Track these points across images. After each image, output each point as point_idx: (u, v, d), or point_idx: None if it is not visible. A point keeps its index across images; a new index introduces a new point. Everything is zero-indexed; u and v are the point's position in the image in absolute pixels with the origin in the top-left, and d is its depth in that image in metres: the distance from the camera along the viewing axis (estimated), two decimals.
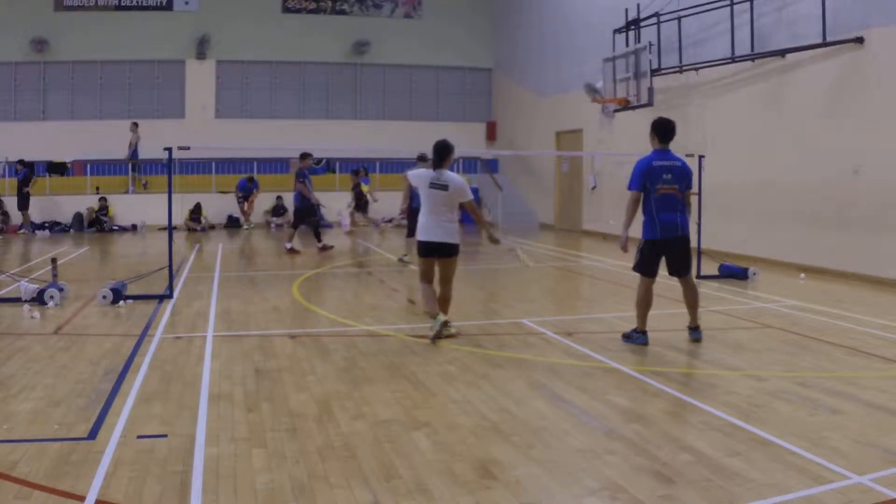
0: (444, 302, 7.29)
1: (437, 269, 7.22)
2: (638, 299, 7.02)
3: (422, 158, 13.69)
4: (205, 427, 4.69)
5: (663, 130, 6.97)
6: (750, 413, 4.98)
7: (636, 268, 7.05)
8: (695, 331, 7.10)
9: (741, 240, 13.07)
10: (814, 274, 11.46)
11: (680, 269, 7.01)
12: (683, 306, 7.25)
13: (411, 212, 13.15)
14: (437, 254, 7.14)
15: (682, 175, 6.89)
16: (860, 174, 11.06)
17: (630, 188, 6.93)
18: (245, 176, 21.87)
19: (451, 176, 7.11)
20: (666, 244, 6.87)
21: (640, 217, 6.97)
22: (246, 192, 21.58)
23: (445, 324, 7.04)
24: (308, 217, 14.71)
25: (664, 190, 6.80)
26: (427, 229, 7.14)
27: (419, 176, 7.27)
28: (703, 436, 4.57)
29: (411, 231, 13.11)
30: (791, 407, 5.15)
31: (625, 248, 7.00)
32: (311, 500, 3.69)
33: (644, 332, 7.00)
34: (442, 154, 7.16)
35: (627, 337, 7.08)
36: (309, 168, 14.47)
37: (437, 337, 7.00)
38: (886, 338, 7.30)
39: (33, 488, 3.75)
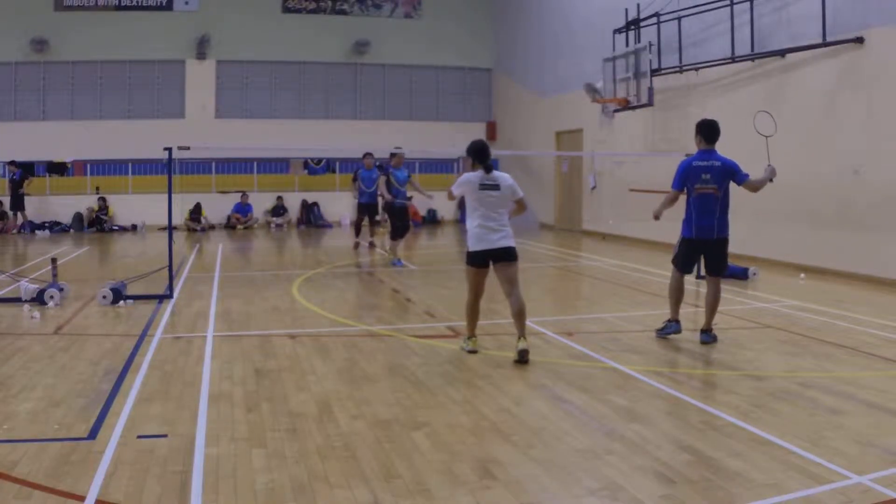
0: (520, 317, 6.41)
1: (500, 278, 6.53)
2: (669, 289, 7.23)
3: (366, 156, 13.77)
4: (205, 427, 4.69)
5: (707, 131, 7.02)
6: (750, 413, 4.98)
7: (673, 260, 7.25)
8: (705, 333, 7.08)
9: (741, 240, 13.02)
10: (814, 274, 11.45)
11: (712, 269, 7.11)
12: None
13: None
14: (499, 261, 6.45)
15: (722, 174, 6.88)
16: (860, 174, 11.06)
17: (672, 186, 7.07)
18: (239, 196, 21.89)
19: (500, 174, 6.54)
20: (702, 244, 7.01)
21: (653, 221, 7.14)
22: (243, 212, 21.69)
23: (525, 352, 6.27)
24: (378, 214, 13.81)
25: (701, 190, 6.89)
26: (482, 237, 6.41)
27: (465, 182, 6.48)
28: (703, 436, 4.57)
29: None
30: (791, 407, 5.15)
31: (656, 217, 7.18)
32: (311, 500, 3.69)
33: (676, 321, 7.15)
34: (485, 153, 6.53)
35: (663, 330, 7.21)
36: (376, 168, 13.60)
37: (472, 351, 6.61)
38: (886, 338, 7.29)
39: (33, 488, 3.75)
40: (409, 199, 13.44)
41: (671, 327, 7.17)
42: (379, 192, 13.10)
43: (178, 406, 5.14)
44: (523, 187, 6.66)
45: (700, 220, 6.93)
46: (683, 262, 7.18)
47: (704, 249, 7.05)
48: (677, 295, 7.17)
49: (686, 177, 6.94)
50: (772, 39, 12.67)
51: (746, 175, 6.98)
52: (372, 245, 14.75)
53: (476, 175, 6.50)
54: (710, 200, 6.89)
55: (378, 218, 14.92)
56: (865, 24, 10.92)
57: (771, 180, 7.13)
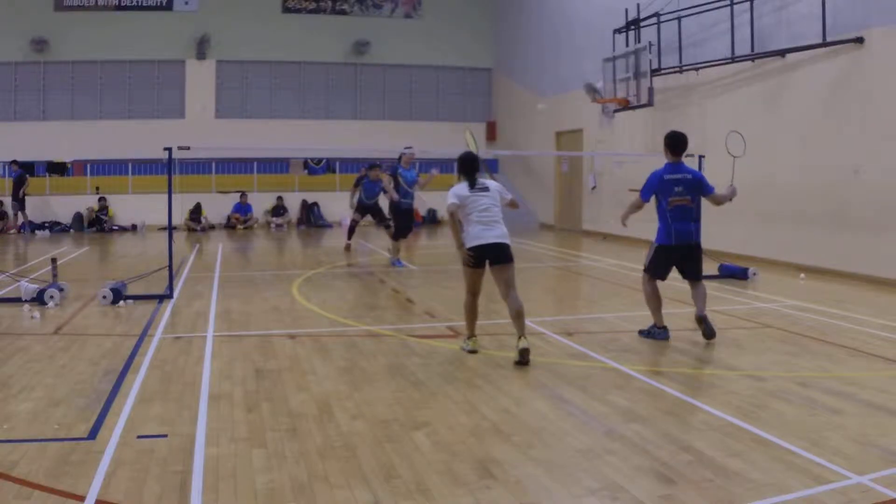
0: (518, 319, 6.38)
1: (496, 280, 6.56)
2: (646, 298, 7.27)
3: (372, 167, 13.76)
4: (205, 427, 4.69)
5: (674, 144, 7.21)
6: (750, 413, 4.98)
7: (647, 268, 7.28)
8: (703, 318, 7.13)
9: (741, 240, 13.07)
10: (814, 274, 11.45)
11: (692, 275, 7.24)
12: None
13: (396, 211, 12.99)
14: (494, 260, 6.49)
15: (694, 186, 7.13)
16: (860, 174, 11.06)
17: (640, 196, 7.26)
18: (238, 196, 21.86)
19: (486, 181, 6.72)
20: (680, 249, 7.15)
21: (655, 221, 7.26)
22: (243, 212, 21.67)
23: (526, 351, 6.25)
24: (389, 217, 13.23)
25: (677, 202, 7.08)
26: (478, 234, 6.50)
27: (455, 194, 6.61)
28: (703, 436, 4.57)
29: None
30: (791, 407, 5.15)
31: (623, 222, 7.47)
32: (311, 500, 3.69)
33: (664, 327, 7.20)
34: (474, 166, 6.72)
35: (648, 333, 7.24)
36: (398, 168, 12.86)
37: (472, 351, 6.65)
38: (886, 338, 7.29)
39: (33, 488, 3.75)
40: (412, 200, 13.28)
41: (660, 334, 7.18)
42: (387, 192, 12.85)
43: (178, 406, 5.13)
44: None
45: (679, 227, 7.10)
46: (658, 270, 7.25)
47: (681, 255, 7.17)
48: (656, 301, 7.24)
49: (658, 189, 7.14)
50: (772, 39, 12.67)
51: (712, 188, 7.25)
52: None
53: (462, 185, 6.67)
54: (685, 210, 7.11)
55: (387, 221, 14.50)
56: (865, 24, 10.92)
57: (730, 199, 7.41)
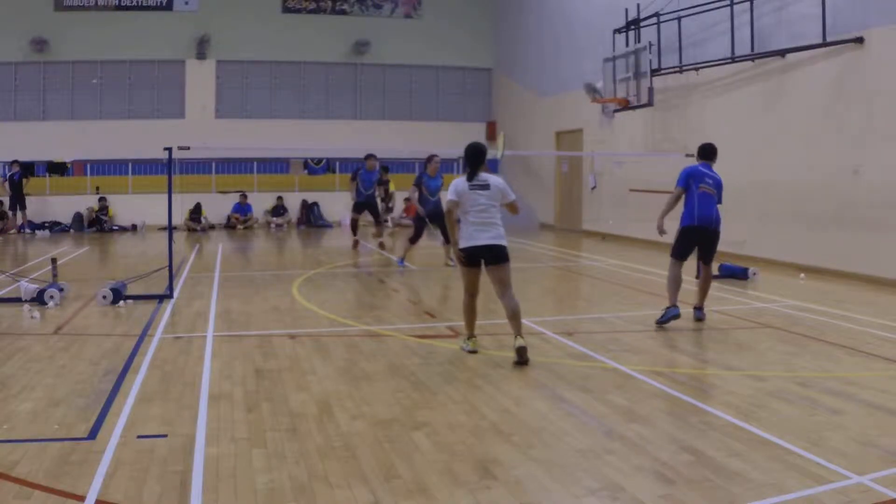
0: (514, 319, 6.38)
1: (492, 280, 6.52)
2: (668, 279, 7.90)
3: (369, 157, 13.80)
4: (205, 427, 4.69)
5: (703, 151, 8.26)
6: (750, 413, 4.98)
7: (672, 252, 8.02)
8: (699, 310, 8.04)
9: (741, 240, 13.07)
10: (814, 274, 11.45)
11: (706, 257, 8.04)
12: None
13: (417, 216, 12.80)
14: (489, 260, 6.46)
15: (718, 184, 8.04)
16: (860, 174, 11.06)
17: (677, 185, 8.00)
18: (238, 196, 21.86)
19: (489, 176, 6.60)
20: (700, 232, 7.88)
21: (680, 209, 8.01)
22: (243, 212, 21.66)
23: (523, 350, 6.22)
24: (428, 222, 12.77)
25: (704, 189, 7.93)
26: (473, 235, 6.44)
27: (454, 187, 6.53)
28: (703, 436, 4.57)
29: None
30: (791, 407, 5.15)
31: (660, 231, 8.04)
32: (311, 500, 3.69)
33: (676, 306, 7.66)
34: (478, 158, 6.57)
35: (662, 318, 7.63)
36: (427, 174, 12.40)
37: (473, 351, 6.63)
38: (886, 338, 7.29)
39: (33, 488, 3.75)
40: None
41: (671, 311, 7.62)
42: (410, 201, 12.83)
43: (178, 406, 5.13)
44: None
45: (702, 211, 7.85)
46: (681, 251, 7.97)
47: (702, 238, 7.90)
48: (675, 284, 7.82)
49: (691, 176, 7.95)
50: (772, 39, 12.67)
51: (721, 200, 8.06)
52: (382, 245, 14.07)
53: (462, 179, 6.61)
54: (709, 198, 7.91)
55: (382, 218, 14.57)
56: (865, 24, 10.92)
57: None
